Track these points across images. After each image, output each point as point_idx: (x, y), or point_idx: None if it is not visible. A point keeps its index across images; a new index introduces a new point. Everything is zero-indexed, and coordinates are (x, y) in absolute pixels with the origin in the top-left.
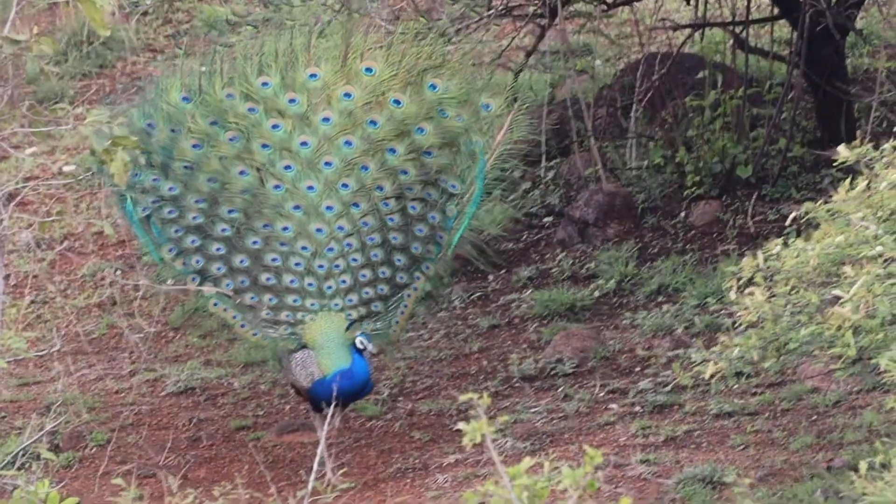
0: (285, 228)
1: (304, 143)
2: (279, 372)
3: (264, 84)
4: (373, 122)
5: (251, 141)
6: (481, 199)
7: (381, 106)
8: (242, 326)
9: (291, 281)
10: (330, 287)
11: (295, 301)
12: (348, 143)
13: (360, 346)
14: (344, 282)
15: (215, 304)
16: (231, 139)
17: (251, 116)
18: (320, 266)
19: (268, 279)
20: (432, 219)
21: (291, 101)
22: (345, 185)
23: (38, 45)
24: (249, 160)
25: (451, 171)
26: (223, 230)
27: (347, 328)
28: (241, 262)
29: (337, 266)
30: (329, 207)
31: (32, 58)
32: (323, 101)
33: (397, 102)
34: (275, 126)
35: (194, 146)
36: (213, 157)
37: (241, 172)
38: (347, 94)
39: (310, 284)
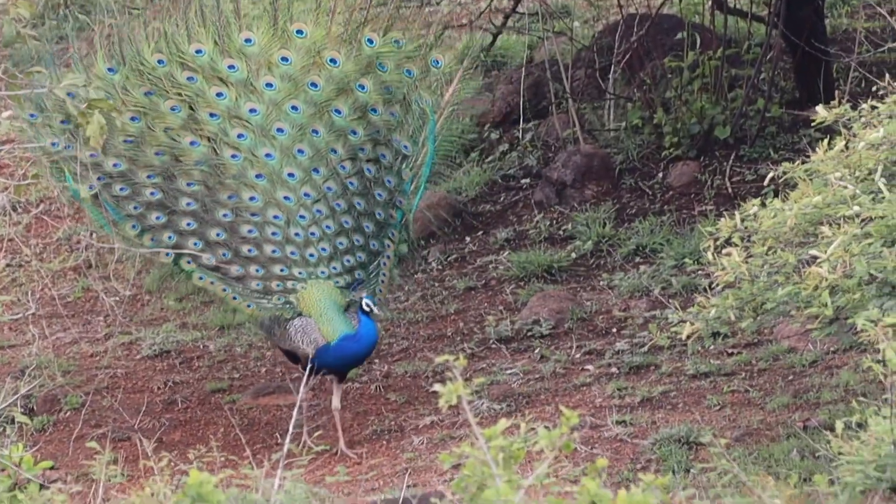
0: (252, 198)
1: (252, 111)
2: (268, 338)
3: (198, 52)
4: (313, 85)
5: (197, 111)
6: (434, 161)
7: (319, 67)
8: (235, 299)
9: (273, 251)
10: (312, 255)
11: (282, 271)
12: (294, 107)
13: (367, 309)
14: (324, 250)
15: (201, 278)
16: (173, 109)
17: (192, 85)
18: (297, 234)
19: (249, 251)
20: (388, 182)
21: (231, 67)
22: (300, 151)
23: (16, 7)
24: (198, 130)
25: (403, 131)
26: (188, 204)
27: (344, 294)
28: (218, 235)
29: (313, 234)
30: (291, 175)
31: (9, 21)
32: (263, 67)
33: (333, 62)
34: (219, 94)
35: (132, 119)
36: (158, 129)
37: (193, 143)
38: (284, 59)
39: (292, 253)
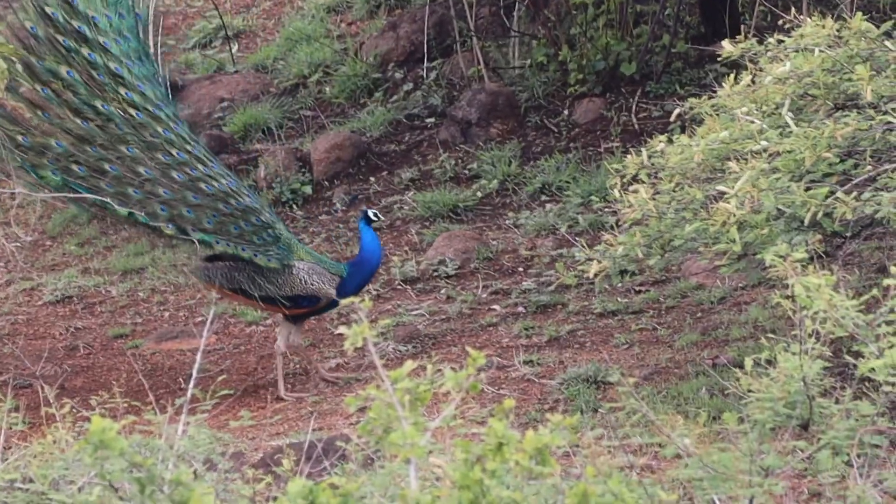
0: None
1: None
2: (239, 290)
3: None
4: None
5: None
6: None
7: None
8: (217, 243)
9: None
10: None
11: (258, 221)
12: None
13: (374, 219)
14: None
15: (169, 227)
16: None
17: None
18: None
19: (226, 207)
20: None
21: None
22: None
23: None
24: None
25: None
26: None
27: None
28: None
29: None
30: (165, 131)
31: None
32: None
33: None
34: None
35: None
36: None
37: (104, 107)
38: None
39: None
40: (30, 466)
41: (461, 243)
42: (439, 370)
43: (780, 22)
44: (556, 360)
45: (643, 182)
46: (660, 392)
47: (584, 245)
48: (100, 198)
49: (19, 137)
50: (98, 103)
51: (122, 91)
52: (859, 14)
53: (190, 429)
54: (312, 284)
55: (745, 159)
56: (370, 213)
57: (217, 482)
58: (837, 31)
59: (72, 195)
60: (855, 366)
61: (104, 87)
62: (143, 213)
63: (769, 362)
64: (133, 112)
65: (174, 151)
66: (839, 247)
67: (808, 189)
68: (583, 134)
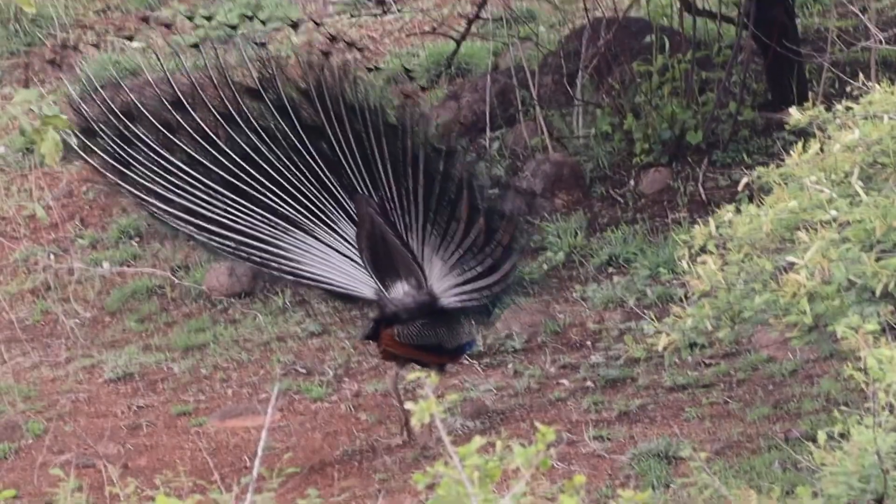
0: None
1: None
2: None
3: None
4: None
5: None
6: None
7: None
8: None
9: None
10: None
11: None
12: None
13: None
14: None
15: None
16: None
17: None
18: None
19: None
20: None
21: None
22: None
23: None
24: None
25: None
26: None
27: None
28: None
29: None
30: None
31: None
32: None
33: None
34: None
35: None
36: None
37: None
38: None
39: None
40: None
41: (528, 316)
42: (508, 446)
43: (849, 89)
44: (626, 434)
45: (711, 253)
46: (732, 467)
47: (653, 318)
48: None
49: None
50: None
51: None
52: None
53: None
54: (473, 328)
55: (815, 229)
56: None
57: None
58: None
59: None
60: None
61: None
62: None
63: (842, 436)
64: None
65: None
66: None
67: (878, 259)
68: (649, 204)
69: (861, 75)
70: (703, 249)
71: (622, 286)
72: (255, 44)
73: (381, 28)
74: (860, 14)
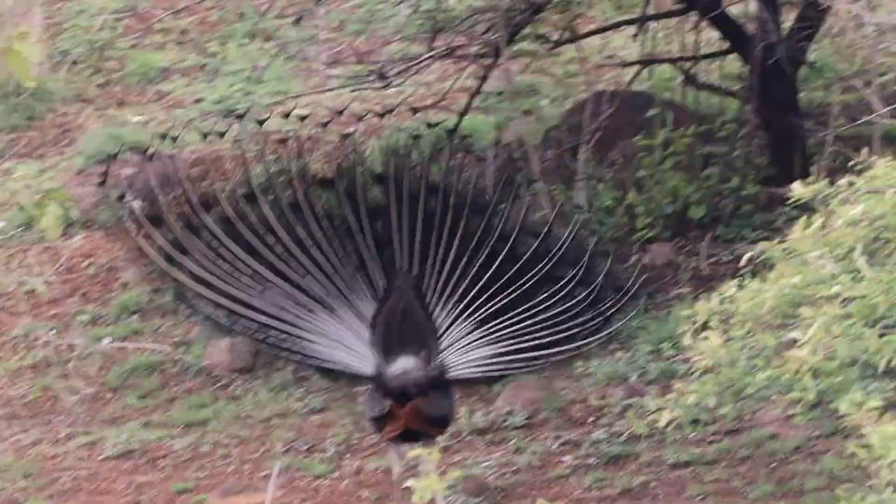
0: None
1: None
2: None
3: None
4: None
5: None
6: None
7: None
8: None
9: None
10: None
11: None
12: None
13: None
14: None
15: None
16: None
17: None
18: None
19: None
20: None
21: None
22: None
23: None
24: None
25: None
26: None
27: None
28: None
29: None
30: None
31: None
32: None
33: None
34: None
35: None
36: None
37: None
38: None
39: None
40: None
41: (530, 393)
42: None
43: (852, 163)
44: None
45: (714, 328)
46: None
47: (656, 394)
48: None
49: None
50: None
51: None
52: None
53: None
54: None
55: (818, 305)
56: None
57: None
58: None
59: None
60: None
61: None
62: None
63: None
64: None
65: None
66: None
67: (882, 335)
68: (652, 279)
69: (865, 149)
70: (706, 325)
71: (625, 362)
72: (257, 122)
73: (380, 102)
74: (862, 89)
